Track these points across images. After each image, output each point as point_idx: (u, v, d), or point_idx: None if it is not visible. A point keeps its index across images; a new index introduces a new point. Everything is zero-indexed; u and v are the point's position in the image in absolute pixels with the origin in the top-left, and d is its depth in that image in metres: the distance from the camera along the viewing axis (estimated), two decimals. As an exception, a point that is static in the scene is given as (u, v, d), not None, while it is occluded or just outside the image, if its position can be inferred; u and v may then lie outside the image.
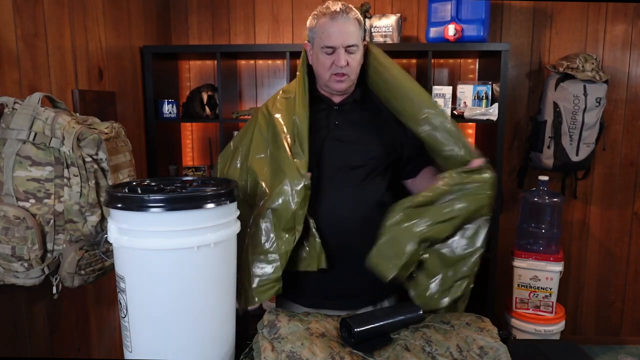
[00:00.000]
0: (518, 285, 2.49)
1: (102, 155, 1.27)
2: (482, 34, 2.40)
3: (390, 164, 1.44)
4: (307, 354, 1.01)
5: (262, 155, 1.40)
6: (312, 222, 1.33)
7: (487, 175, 1.27)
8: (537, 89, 2.77)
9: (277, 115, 1.41)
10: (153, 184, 1.11)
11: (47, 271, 1.24)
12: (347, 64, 1.34)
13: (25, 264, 1.20)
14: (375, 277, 1.41)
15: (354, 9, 1.37)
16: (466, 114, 2.47)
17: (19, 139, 1.18)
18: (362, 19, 1.40)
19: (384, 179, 1.43)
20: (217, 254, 1.01)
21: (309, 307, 1.39)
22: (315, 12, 1.38)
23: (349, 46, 1.33)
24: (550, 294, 2.45)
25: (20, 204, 1.19)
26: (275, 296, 1.48)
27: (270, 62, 2.85)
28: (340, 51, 1.33)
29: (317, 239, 1.32)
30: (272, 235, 1.29)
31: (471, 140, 2.86)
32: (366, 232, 1.37)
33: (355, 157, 1.39)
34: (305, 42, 1.44)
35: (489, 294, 2.53)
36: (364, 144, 1.40)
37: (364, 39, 1.41)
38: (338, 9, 1.33)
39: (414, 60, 2.79)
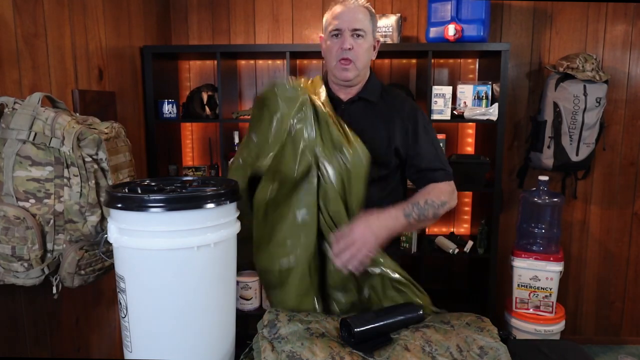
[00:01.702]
0: (518, 285, 2.49)
1: (102, 155, 1.28)
2: (482, 34, 2.40)
3: (397, 164, 1.43)
4: (307, 354, 1.01)
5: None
6: None
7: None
8: (537, 89, 2.77)
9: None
10: (153, 184, 1.11)
11: (47, 271, 1.24)
12: (353, 48, 1.34)
13: (25, 264, 1.20)
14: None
15: (367, 3, 1.41)
16: (466, 114, 2.47)
17: (19, 139, 1.18)
18: (375, 15, 1.41)
19: (391, 179, 1.42)
20: (217, 254, 1.01)
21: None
22: (330, 7, 1.43)
23: (356, 30, 1.34)
24: (550, 294, 2.45)
25: (20, 204, 1.19)
26: None
27: (270, 62, 2.85)
28: (346, 34, 1.34)
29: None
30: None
31: (471, 140, 2.86)
32: None
33: None
34: (320, 35, 1.46)
35: (489, 294, 2.53)
36: (369, 144, 1.36)
37: (375, 36, 1.42)
38: None
39: (414, 60, 2.79)
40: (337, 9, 1.38)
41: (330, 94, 1.43)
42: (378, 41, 1.45)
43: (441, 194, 1.34)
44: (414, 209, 1.27)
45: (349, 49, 1.34)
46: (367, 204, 1.36)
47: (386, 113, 1.41)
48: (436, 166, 1.39)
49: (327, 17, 1.41)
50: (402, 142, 1.40)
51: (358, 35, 1.35)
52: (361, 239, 1.18)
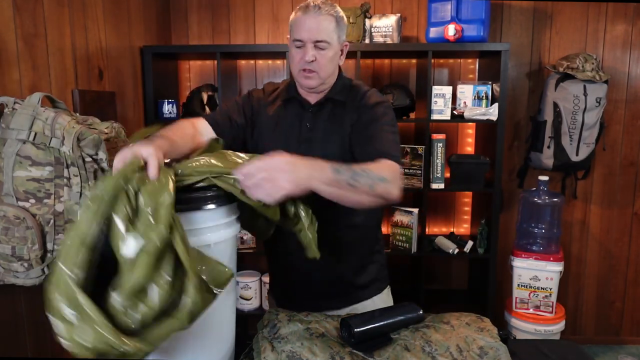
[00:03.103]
0: (518, 285, 2.49)
1: (102, 155, 1.28)
2: (482, 34, 2.40)
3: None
4: (307, 354, 1.01)
5: None
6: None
7: None
8: (537, 89, 2.77)
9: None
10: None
11: (47, 271, 1.24)
12: (315, 59, 1.30)
13: (25, 264, 1.21)
14: (345, 285, 1.40)
15: (334, 6, 1.33)
16: (466, 114, 2.47)
17: (19, 139, 1.18)
18: (343, 18, 1.34)
19: None
20: (217, 254, 1.00)
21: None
22: (297, 7, 1.36)
23: (318, 41, 1.29)
24: (550, 294, 2.45)
25: (20, 204, 1.19)
26: (273, 300, 1.52)
27: (270, 62, 2.85)
28: (308, 45, 1.30)
29: None
30: None
31: (471, 140, 2.86)
32: (335, 237, 1.34)
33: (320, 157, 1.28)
34: (287, 36, 1.41)
35: (489, 294, 2.53)
36: (329, 147, 1.34)
37: (343, 40, 1.36)
38: (312, 4, 1.30)
39: (414, 60, 2.79)
40: (299, 17, 1.31)
41: (297, 97, 1.40)
42: (346, 45, 1.38)
43: (383, 169, 1.17)
44: (347, 170, 1.08)
45: (312, 61, 1.30)
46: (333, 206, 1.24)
47: (350, 112, 1.37)
48: (382, 149, 1.25)
49: (290, 20, 1.35)
50: (353, 134, 1.33)
51: (321, 47, 1.30)
52: (277, 170, 0.98)
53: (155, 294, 0.83)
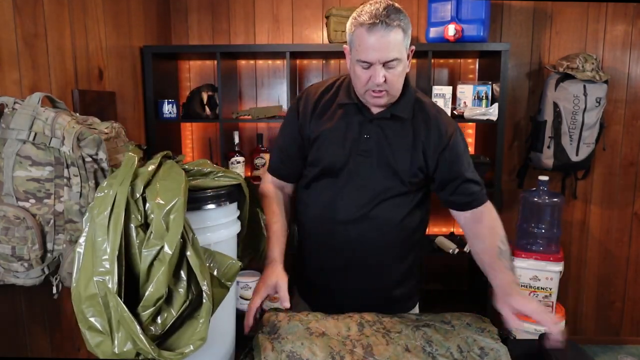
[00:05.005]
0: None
1: (102, 155, 1.27)
2: (482, 34, 2.40)
3: (418, 186, 1.35)
4: (307, 353, 1.01)
5: None
6: None
7: None
8: (537, 89, 2.77)
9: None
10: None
11: (47, 271, 1.24)
12: (385, 80, 1.20)
13: (25, 264, 1.20)
14: (384, 295, 1.39)
15: (399, 12, 1.17)
16: (466, 114, 2.47)
17: (19, 139, 1.18)
18: (409, 23, 1.20)
19: (407, 200, 1.34)
20: (217, 254, 1.00)
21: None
22: (355, 15, 1.20)
23: (389, 61, 1.18)
24: (550, 294, 2.45)
25: (20, 204, 1.19)
26: (296, 290, 1.50)
27: (270, 62, 2.85)
28: (377, 67, 1.18)
29: None
30: None
31: (472, 140, 2.86)
32: (378, 251, 1.33)
33: (378, 175, 1.30)
34: (345, 45, 1.29)
35: (489, 294, 2.53)
36: (391, 162, 1.30)
37: (410, 47, 1.24)
38: (377, 20, 1.14)
39: (414, 60, 2.79)
40: (363, 35, 1.16)
41: (357, 103, 1.31)
42: (412, 49, 1.26)
43: (495, 219, 1.34)
44: (506, 252, 1.30)
45: (382, 82, 1.20)
46: (382, 222, 1.31)
47: (417, 131, 1.31)
48: (477, 190, 1.34)
49: (352, 35, 1.21)
50: (431, 163, 1.32)
51: (390, 66, 1.19)
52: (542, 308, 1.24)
53: (174, 299, 0.84)
